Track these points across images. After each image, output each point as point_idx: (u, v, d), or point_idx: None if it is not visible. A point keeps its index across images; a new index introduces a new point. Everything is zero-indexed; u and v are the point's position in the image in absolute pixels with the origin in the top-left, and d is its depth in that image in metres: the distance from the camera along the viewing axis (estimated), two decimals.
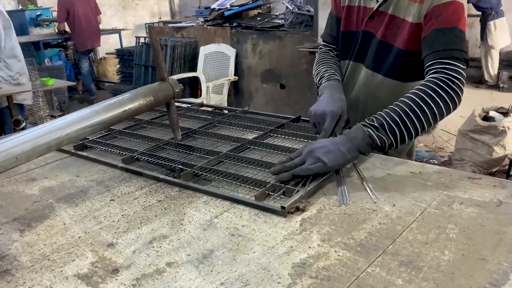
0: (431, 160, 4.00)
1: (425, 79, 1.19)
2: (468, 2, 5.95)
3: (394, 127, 1.11)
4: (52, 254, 0.87)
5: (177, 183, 1.14)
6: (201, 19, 5.53)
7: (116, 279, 0.78)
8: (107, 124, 1.03)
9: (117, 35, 7.74)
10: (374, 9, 1.39)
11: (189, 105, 1.86)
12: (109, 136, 1.51)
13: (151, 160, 1.26)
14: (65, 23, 6.43)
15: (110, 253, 0.86)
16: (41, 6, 7.45)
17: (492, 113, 3.66)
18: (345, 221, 0.93)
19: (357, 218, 0.94)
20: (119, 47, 7.17)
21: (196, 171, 1.17)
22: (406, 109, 1.12)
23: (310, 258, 0.81)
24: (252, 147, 1.35)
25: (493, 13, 6.10)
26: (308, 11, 4.50)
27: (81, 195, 1.11)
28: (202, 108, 1.82)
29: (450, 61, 1.17)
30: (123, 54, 6.27)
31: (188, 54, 5.08)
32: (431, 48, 1.22)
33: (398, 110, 1.13)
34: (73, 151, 1.38)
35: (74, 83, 5.57)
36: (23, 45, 5.39)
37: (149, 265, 0.82)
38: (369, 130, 1.11)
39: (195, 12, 6.42)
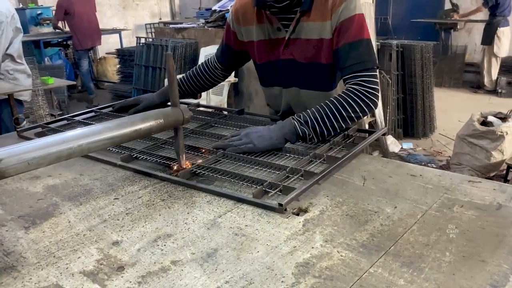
0: (429, 164, 4.02)
1: (346, 88, 1.38)
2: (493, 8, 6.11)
3: (315, 123, 1.32)
4: (58, 251, 0.88)
5: (179, 181, 1.15)
6: (202, 21, 5.54)
7: (122, 277, 0.79)
8: (117, 141, 1.06)
9: (117, 35, 7.74)
10: (286, 39, 1.47)
11: (186, 106, 1.87)
12: None
13: (149, 159, 1.29)
14: (60, 22, 6.43)
15: (115, 250, 0.87)
16: (41, 5, 7.44)
17: (491, 118, 3.68)
18: (347, 222, 0.95)
19: (359, 220, 0.96)
20: (119, 47, 7.18)
21: (194, 169, 1.19)
22: (328, 111, 1.33)
23: (313, 258, 0.83)
24: None
25: (503, 20, 6.20)
26: None
27: (85, 193, 1.12)
28: (198, 109, 1.85)
29: (364, 73, 1.37)
30: (123, 54, 6.29)
31: (188, 55, 5.10)
32: (345, 62, 1.39)
33: (321, 111, 1.33)
34: None
35: (74, 82, 5.57)
36: (23, 44, 5.39)
37: (154, 263, 0.83)
38: (295, 123, 1.32)
39: (195, 13, 6.43)
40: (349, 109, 1.33)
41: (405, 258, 0.82)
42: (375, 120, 4.35)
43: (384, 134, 1.45)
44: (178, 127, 1.19)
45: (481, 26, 6.80)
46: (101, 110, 1.81)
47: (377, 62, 1.39)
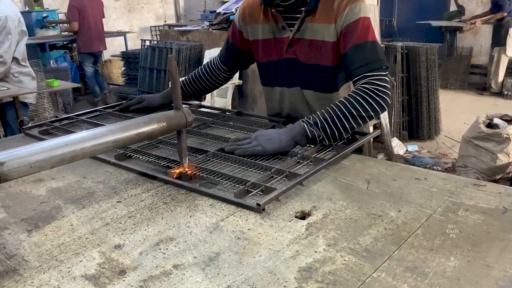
0: (434, 167, 3.99)
1: (355, 88, 1.36)
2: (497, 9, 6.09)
3: (325, 124, 1.30)
4: (60, 255, 0.87)
5: (166, 180, 1.17)
6: (206, 23, 5.55)
7: (124, 280, 0.79)
8: (120, 144, 1.06)
9: (122, 37, 7.77)
10: (290, 38, 1.48)
11: (187, 106, 1.89)
12: None
13: (142, 158, 1.32)
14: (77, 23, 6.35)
15: (117, 254, 0.87)
16: (47, 8, 7.48)
17: (496, 120, 3.65)
18: (350, 226, 0.94)
19: (362, 224, 0.95)
20: (124, 49, 7.19)
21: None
22: (338, 111, 1.31)
23: (316, 262, 0.82)
24: None
25: (510, 21, 6.17)
26: None
27: (88, 196, 1.12)
28: (199, 109, 1.86)
29: (372, 73, 1.35)
30: (128, 57, 6.29)
31: (193, 58, 5.10)
32: (353, 65, 1.38)
33: (331, 111, 1.31)
34: None
35: (79, 85, 5.58)
36: (29, 46, 5.43)
37: (156, 267, 0.82)
38: (305, 124, 1.30)
39: (200, 15, 6.44)
40: (360, 109, 1.30)
41: (409, 262, 0.81)
42: (380, 122, 4.33)
43: (377, 137, 1.46)
44: (181, 130, 1.19)
45: (487, 28, 6.77)
46: (105, 110, 1.84)
47: (385, 62, 1.38)
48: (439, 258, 0.82)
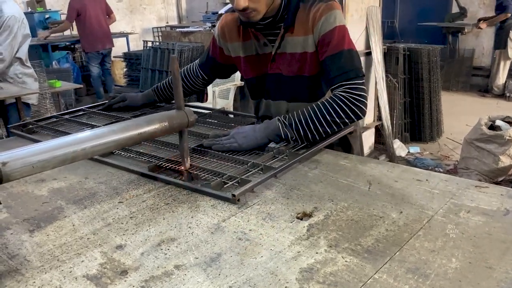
0: (436, 168, 3.99)
1: (332, 94, 1.39)
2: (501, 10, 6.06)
3: (299, 126, 1.34)
4: (62, 255, 0.88)
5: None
6: (208, 24, 5.56)
7: (125, 281, 0.79)
8: (122, 144, 1.07)
9: (124, 38, 7.78)
10: (273, 53, 1.50)
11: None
12: None
13: (124, 154, 1.37)
14: (71, 25, 6.36)
15: (118, 254, 0.87)
16: (49, 9, 7.50)
17: (498, 122, 3.65)
18: (352, 227, 0.94)
19: (364, 225, 0.95)
20: (126, 50, 7.20)
21: (162, 163, 1.25)
22: (313, 115, 1.35)
23: (318, 263, 0.82)
24: None
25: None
26: None
27: (89, 196, 1.13)
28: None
29: (348, 83, 1.37)
30: (130, 58, 6.30)
31: (195, 59, 5.10)
32: (329, 74, 1.41)
33: (306, 114, 1.36)
34: None
35: (81, 86, 5.60)
36: (31, 47, 5.44)
37: (158, 267, 0.83)
38: (280, 124, 1.36)
39: (202, 17, 6.46)
40: (333, 114, 1.34)
41: (410, 264, 0.81)
42: (382, 124, 4.33)
43: (351, 133, 1.52)
44: (183, 130, 1.19)
45: (489, 30, 6.76)
46: (89, 109, 1.87)
47: (362, 70, 1.40)
48: (440, 259, 0.82)
